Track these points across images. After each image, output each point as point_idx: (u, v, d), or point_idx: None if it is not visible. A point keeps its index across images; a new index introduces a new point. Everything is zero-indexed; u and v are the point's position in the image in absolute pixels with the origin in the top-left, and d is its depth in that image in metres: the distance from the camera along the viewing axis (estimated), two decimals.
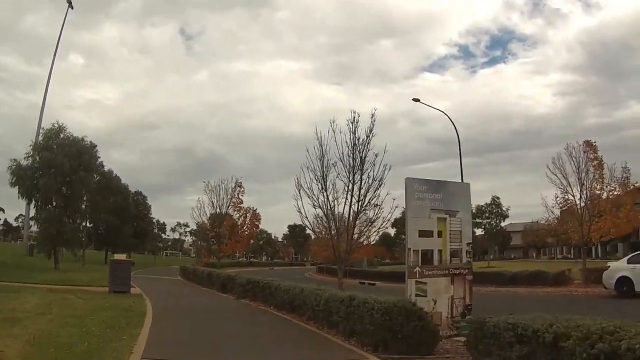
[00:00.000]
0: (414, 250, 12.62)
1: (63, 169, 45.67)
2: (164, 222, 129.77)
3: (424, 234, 12.87)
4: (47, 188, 45.17)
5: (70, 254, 50.45)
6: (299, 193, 21.15)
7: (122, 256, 29.86)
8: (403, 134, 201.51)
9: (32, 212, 51.95)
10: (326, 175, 20.62)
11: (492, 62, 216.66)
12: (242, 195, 52.03)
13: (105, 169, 70.37)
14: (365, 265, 71.31)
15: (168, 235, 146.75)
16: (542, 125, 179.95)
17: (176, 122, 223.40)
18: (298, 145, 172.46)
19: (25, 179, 46.11)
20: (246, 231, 55.33)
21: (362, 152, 19.98)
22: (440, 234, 13.13)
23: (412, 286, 12.49)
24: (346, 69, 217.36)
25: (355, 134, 20.08)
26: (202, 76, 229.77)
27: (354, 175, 20.09)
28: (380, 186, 19.95)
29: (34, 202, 48.11)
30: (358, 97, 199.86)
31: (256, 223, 57.50)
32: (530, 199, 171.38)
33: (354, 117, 20.14)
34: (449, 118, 44.52)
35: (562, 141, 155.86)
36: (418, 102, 44.10)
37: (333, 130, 20.36)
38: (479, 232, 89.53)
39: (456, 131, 45.99)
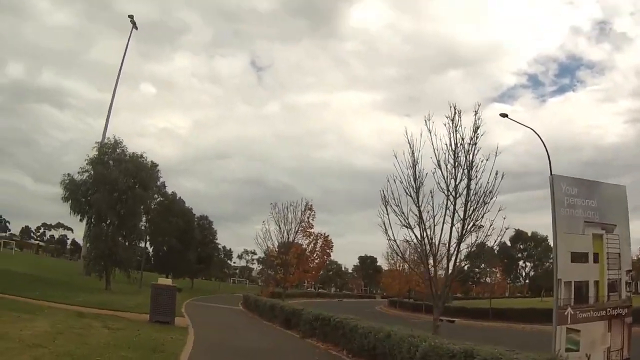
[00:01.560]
0: (565, 282, 8.16)
1: (118, 185, 42.41)
2: (230, 249, 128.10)
3: (577, 257, 8.54)
4: (100, 204, 41.77)
5: (124, 276, 46.79)
6: (385, 209, 16.42)
7: (167, 280, 25.42)
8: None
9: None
10: (419, 186, 15.88)
11: (561, 90, 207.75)
12: (312, 220, 46.59)
13: (169, 191, 68.43)
14: None
15: (234, 263, 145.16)
16: (613, 154, 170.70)
17: (247, 152, 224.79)
18: (367, 177, 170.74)
19: (77, 194, 43.07)
20: (316, 259, 50.07)
21: (470, 153, 15.07)
22: (596, 258, 8.63)
23: (562, 336, 8.05)
24: (415, 100, 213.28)
25: (457, 132, 15.32)
26: (272, 107, 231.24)
27: (456, 186, 15.23)
28: (491, 199, 14.85)
29: (86, 219, 44.69)
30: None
31: (327, 250, 51.84)
32: None
33: (455, 113, 15.47)
34: (539, 136, 40.08)
35: (635, 170, 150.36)
36: (505, 118, 39.54)
37: (429, 130, 15.68)
38: None
39: (546, 151, 41.47)
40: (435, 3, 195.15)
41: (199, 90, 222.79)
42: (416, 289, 65.36)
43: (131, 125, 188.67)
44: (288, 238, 44.72)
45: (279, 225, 44.21)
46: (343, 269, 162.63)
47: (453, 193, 15.22)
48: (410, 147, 15.95)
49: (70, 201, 43.06)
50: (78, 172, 44.18)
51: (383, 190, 16.32)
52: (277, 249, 46.30)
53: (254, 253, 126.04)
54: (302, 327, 21.62)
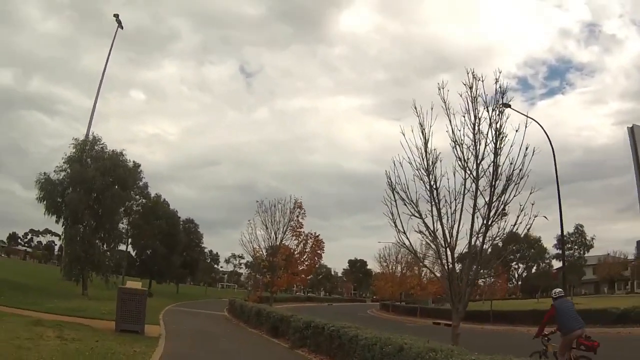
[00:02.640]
0: None
1: (95, 184, 40.05)
2: (217, 253, 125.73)
3: None
4: (76, 204, 39.23)
5: (101, 281, 43.25)
6: (393, 195, 13.41)
7: (136, 284, 22.19)
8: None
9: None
10: (435, 162, 13.00)
11: (551, 92, 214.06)
12: (302, 218, 43.32)
13: (153, 193, 66.53)
14: (431, 303, 64.98)
15: (222, 267, 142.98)
16: (603, 156, 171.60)
17: (236, 158, 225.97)
18: (357, 181, 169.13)
19: (54, 194, 40.46)
20: (306, 261, 46.51)
21: (497, 122, 12.28)
22: None
23: None
24: (405, 103, 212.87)
25: (476, 101, 12.58)
26: (262, 113, 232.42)
27: (478, 163, 12.37)
28: (521, 179, 11.95)
29: (63, 220, 41.80)
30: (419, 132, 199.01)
31: (318, 252, 47.12)
32: (595, 231, 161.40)
33: (474, 79, 12.83)
34: (541, 126, 38.43)
35: (624, 172, 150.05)
36: (509, 108, 37.22)
37: (443, 100, 12.88)
38: (556, 264, 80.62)
39: (550, 144, 39.54)
40: (424, 6, 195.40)
41: (188, 97, 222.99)
42: (411, 292, 63.57)
43: (121, 132, 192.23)
44: (276, 239, 41.82)
45: (266, 225, 41.28)
46: (332, 273, 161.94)
47: (474, 172, 12.45)
48: (420, 120, 13.10)
49: (45, 201, 40.40)
50: (54, 171, 41.66)
51: (388, 173, 13.43)
52: (264, 251, 43.35)
53: (241, 257, 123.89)
54: (291, 336, 19.11)
